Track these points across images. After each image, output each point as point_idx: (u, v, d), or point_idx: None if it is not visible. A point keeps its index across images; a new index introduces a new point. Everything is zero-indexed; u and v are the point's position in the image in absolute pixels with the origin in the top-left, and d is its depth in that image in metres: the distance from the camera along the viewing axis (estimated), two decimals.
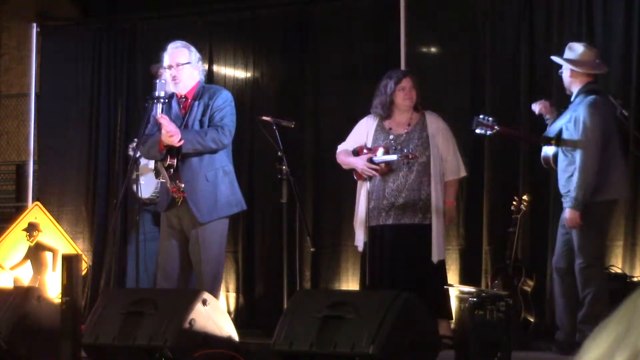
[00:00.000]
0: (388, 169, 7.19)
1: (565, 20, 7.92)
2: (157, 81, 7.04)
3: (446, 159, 7.22)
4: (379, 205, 7.19)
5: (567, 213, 6.73)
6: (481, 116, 6.97)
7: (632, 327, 0.85)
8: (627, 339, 0.85)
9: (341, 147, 7.41)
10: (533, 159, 7.49)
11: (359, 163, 7.23)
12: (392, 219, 7.17)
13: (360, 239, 7.28)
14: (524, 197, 7.58)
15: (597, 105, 6.73)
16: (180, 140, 6.84)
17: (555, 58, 6.96)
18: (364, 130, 7.37)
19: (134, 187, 7.55)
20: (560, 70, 6.88)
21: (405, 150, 7.16)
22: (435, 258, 7.09)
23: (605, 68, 6.98)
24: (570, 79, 6.84)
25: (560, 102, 7.26)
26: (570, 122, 6.74)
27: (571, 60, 6.83)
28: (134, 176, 7.66)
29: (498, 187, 8.02)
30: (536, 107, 7.07)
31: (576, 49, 6.87)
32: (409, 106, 7.26)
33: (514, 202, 7.57)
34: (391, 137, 7.27)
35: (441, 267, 7.21)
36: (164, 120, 6.82)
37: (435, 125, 7.27)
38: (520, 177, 7.91)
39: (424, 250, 7.11)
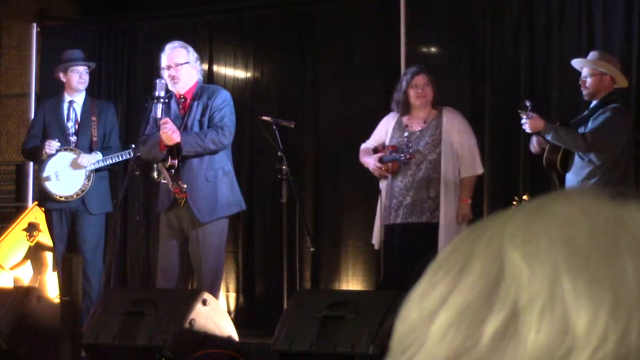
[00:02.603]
0: (397, 168, 7.13)
1: (565, 20, 7.91)
2: (157, 81, 7.05)
3: (462, 155, 7.06)
4: (390, 204, 7.14)
5: (538, 121, 6.58)
6: (527, 102, 6.68)
7: (502, 281, 0.66)
8: (500, 295, 0.64)
9: (363, 146, 7.31)
10: (533, 158, 7.48)
11: (370, 163, 7.18)
12: (401, 218, 7.11)
13: (375, 237, 7.26)
14: (524, 197, 7.56)
15: (622, 111, 6.67)
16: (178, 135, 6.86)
17: (600, 64, 6.69)
18: (383, 128, 7.27)
19: (46, 185, 7.74)
20: (584, 76, 6.71)
21: (405, 150, 7.10)
22: None
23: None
24: (599, 87, 6.65)
25: (561, 106, 7.22)
26: (593, 122, 6.63)
27: (612, 68, 6.65)
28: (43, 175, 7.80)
29: (498, 187, 8.01)
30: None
31: (613, 58, 6.74)
32: (423, 104, 7.09)
33: (514, 202, 7.56)
34: (406, 134, 7.16)
35: None
36: (167, 125, 6.83)
37: (451, 121, 7.10)
38: (520, 177, 7.90)
39: (431, 249, 7.04)
